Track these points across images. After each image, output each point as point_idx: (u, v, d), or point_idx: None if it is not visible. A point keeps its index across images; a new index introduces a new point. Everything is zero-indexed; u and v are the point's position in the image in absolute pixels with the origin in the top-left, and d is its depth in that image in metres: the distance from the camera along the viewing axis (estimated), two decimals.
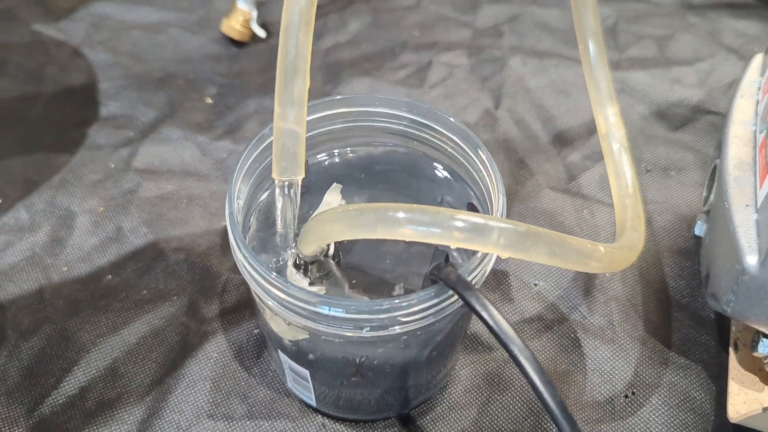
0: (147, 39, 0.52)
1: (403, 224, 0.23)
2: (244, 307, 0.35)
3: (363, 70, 0.49)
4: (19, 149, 0.43)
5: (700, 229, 0.35)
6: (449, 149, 0.31)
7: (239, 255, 0.25)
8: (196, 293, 0.36)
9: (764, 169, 0.29)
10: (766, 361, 0.30)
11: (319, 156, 0.32)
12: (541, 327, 0.35)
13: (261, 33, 0.51)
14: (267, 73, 0.49)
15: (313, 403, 0.31)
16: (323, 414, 0.32)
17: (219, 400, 0.32)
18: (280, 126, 0.26)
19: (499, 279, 0.37)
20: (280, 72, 0.25)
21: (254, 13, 0.50)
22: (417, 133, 0.31)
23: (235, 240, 0.25)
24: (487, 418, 0.32)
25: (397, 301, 0.23)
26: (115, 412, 0.31)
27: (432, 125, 0.30)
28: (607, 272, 0.37)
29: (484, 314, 0.22)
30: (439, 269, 0.24)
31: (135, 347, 0.34)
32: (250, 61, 0.50)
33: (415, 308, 0.23)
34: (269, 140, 0.28)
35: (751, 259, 0.27)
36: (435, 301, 0.24)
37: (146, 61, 0.50)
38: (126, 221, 0.39)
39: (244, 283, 0.35)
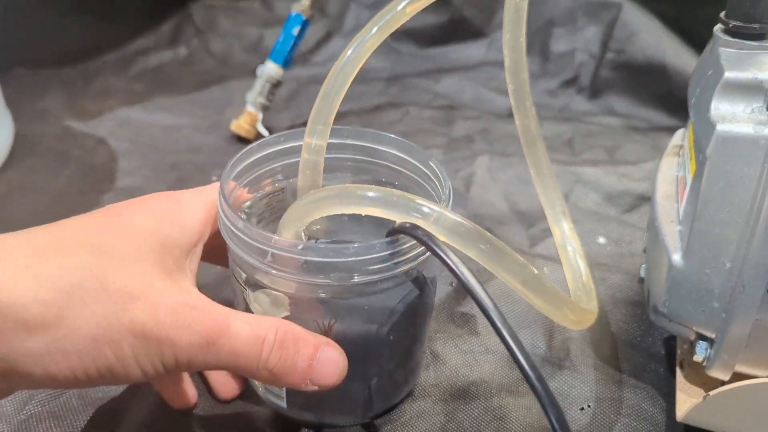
0: (164, 135, 0.59)
1: (369, 199, 0.28)
2: None
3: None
4: (40, 213, 0.49)
5: (643, 270, 0.40)
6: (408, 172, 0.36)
7: (223, 212, 0.29)
8: None
9: (683, 190, 0.35)
10: (704, 363, 0.33)
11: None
12: (503, 356, 0.38)
13: (264, 132, 0.59)
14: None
15: (284, 404, 0.33)
16: (298, 421, 0.34)
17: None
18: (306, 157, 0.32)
19: (467, 319, 0.41)
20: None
21: (260, 116, 0.59)
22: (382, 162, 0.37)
23: (223, 202, 0.29)
24: (453, 425, 0.34)
25: (360, 245, 0.27)
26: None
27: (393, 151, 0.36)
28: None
29: (444, 256, 0.27)
30: (399, 227, 0.28)
31: None
32: None
33: (377, 254, 0.27)
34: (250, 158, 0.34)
35: (677, 256, 0.32)
36: (394, 249, 0.28)
37: (162, 150, 0.57)
38: None
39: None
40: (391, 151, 0.36)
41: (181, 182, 0.52)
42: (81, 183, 0.52)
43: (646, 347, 0.39)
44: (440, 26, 0.73)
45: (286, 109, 0.65)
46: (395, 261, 0.28)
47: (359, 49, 0.34)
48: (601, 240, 0.48)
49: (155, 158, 0.56)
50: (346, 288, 0.29)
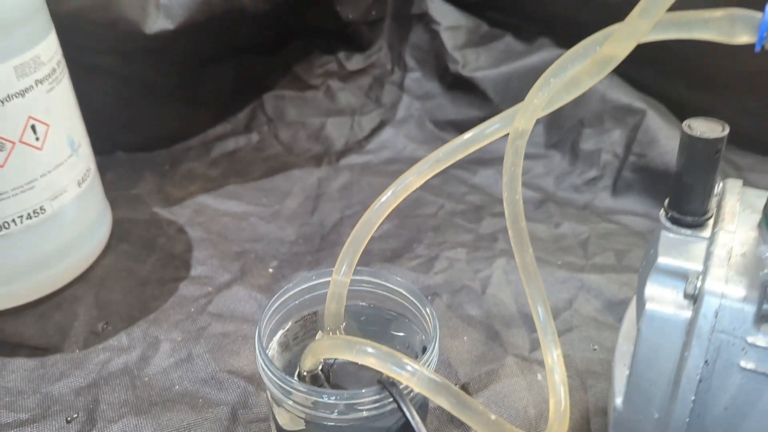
0: (233, 223, 0.70)
1: (368, 353, 0.36)
2: (267, 418, 0.48)
3: (386, 258, 0.64)
4: (128, 295, 0.60)
5: None
6: (410, 307, 0.44)
7: (260, 359, 0.39)
8: (238, 404, 0.49)
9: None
10: None
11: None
12: None
13: None
14: (316, 254, 0.65)
15: None
16: None
17: None
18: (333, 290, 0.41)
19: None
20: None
21: None
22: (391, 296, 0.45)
23: (260, 352, 0.39)
24: None
25: (352, 392, 0.36)
26: None
27: (402, 291, 0.44)
28: None
29: (403, 407, 0.35)
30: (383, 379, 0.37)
31: None
32: (305, 245, 0.67)
33: (364, 399, 0.36)
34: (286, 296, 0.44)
35: (619, 399, 0.39)
36: (377, 396, 0.36)
37: (229, 239, 0.68)
38: (196, 348, 0.54)
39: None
40: (398, 289, 0.45)
41: (243, 273, 0.63)
42: (162, 271, 0.63)
43: None
44: (481, 119, 0.81)
45: (339, 199, 0.74)
46: (380, 403, 0.37)
47: (381, 208, 0.43)
48: (595, 348, 0.54)
49: (223, 247, 0.66)
50: (344, 419, 0.38)
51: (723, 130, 0.36)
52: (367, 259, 0.64)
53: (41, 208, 0.54)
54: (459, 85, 0.83)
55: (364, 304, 0.47)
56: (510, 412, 0.49)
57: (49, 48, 0.54)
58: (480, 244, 0.66)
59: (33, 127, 0.52)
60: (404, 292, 0.45)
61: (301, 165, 0.80)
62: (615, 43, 0.37)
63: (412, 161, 0.52)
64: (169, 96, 0.81)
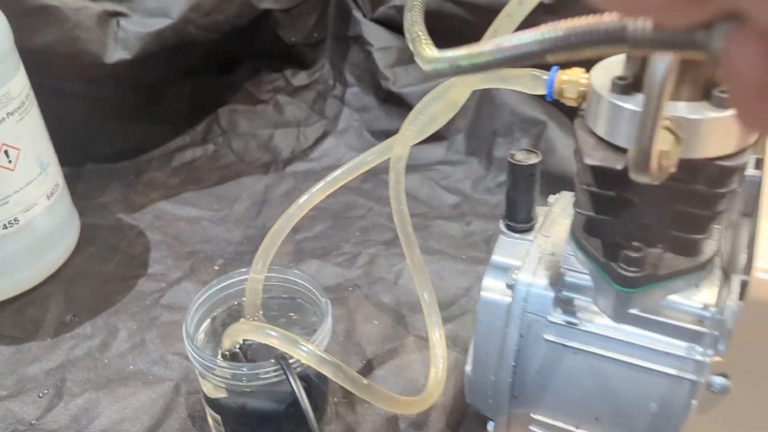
0: (187, 227, 0.80)
1: (270, 335, 0.47)
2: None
3: (317, 255, 0.75)
4: (93, 291, 0.70)
5: None
6: (312, 297, 0.55)
7: (186, 343, 0.49)
8: (181, 380, 0.59)
9: None
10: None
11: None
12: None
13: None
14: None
15: None
16: None
17: None
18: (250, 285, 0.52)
19: None
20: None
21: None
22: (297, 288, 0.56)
23: (187, 337, 0.49)
24: None
25: (254, 365, 0.46)
26: None
27: (306, 284, 0.55)
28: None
29: (288, 375, 0.45)
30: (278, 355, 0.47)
31: (137, 407, 0.57)
32: (248, 246, 0.77)
33: (264, 370, 0.47)
34: (210, 291, 0.54)
35: (468, 368, 0.49)
36: (274, 368, 0.47)
37: (183, 241, 0.78)
38: (148, 335, 0.64)
39: None
40: (304, 282, 0.56)
41: (192, 270, 0.73)
42: (123, 270, 0.73)
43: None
44: None
45: (282, 204, 0.84)
46: (277, 373, 0.47)
47: (296, 210, 0.53)
48: None
49: (177, 248, 0.77)
50: (251, 386, 0.48)
51: (537, 157, 0.46)
52: (300, 256, 0.75)
53: (15, 220, 0.64)
54: (391, 99, 0.93)
55: (283, 295, 0.57)
56: (405, 381, 0.60)
57: (18, 84, 0.64)
58: (398, 241, 0.77)
59: (6, 152, 0.62)
60: (308, 285, 0.55)
61: (250, 173, 0.90)
62: (456, 89, 0.47)
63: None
64: (132, 114, 0.91)
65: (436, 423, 0.56)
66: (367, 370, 0.62)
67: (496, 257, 0.47)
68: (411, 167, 0.90)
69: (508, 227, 0.49)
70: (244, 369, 0.47)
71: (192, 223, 0.81)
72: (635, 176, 0.31)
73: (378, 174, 0.87)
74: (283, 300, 0.57)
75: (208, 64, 0.91)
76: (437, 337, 0.59)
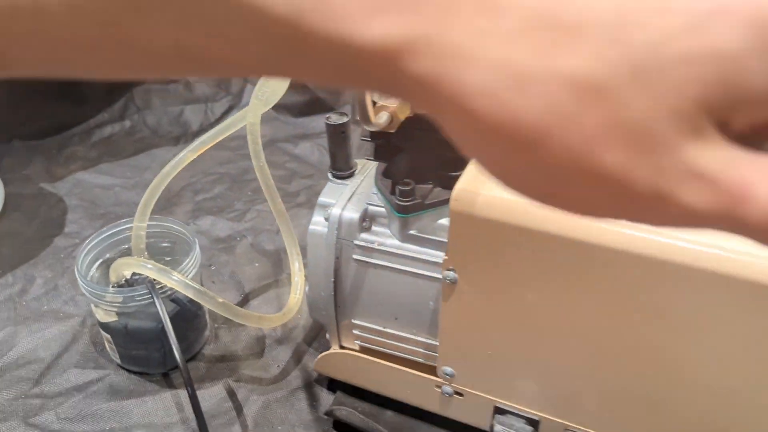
0: (102, 193, 0.92)
1: (147, 268, 0.59)
2: None
3: (212, 212, 0.87)
4: (16, 250, 0.81)
5: None
6: (183, 237, 0.67)
7: (79, 279, 0.61)
8: (86, 314, 0.71)
9: None
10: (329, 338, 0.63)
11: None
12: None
13: None
14: (160, 212, 0.87)
15: (119, 361, 0.65)
16: (126, 369, 0.66)
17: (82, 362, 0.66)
18: (135, 232, 0.63)
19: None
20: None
21: None
22: (175, 233, 0.68)
23: (78, 274, 0.61)
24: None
25: (131, 289, 0.59)
26: None
27: (180, 229, 0.67)
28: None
29: (155, 298, 0.58)
30: (148, 281, 0.59)
31: (49, 337, 0.69)
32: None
33: (138, 293, 0.59)
34: (102, 236, 0.66)
35: (307, 287, 0.62)
36: (146, 291, 0.59)
37: (97, 205, 0.89)
38: (61, 281, 0.76)
39: None
40: (179, 228, 0.68)
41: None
42: (43, 230, 0.85)
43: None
44: (305, 103, 1.04)
45: (187, 170, 0.96)
46: (148, 297, 0.59)
47: (170, 169, 0.65)
48: None
49: (92, 211, 0.88)
50: (131, 306, 0.60)
51: (346, 117, 0.59)
52: (198, 213, 0.87)
53: None
54: None
55: (165, 240, 0.69)
56: (275, 308, 0.72)
57: None
58: (284, 199, 0.89)
59: None
60: (182, 230, 0.67)
61: (162, 145, 1.02)
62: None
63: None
64: (55, 94, 1.01)
65: (296, 339, 0.69)
66: (244, 300, 0.74)
67: (321, 198, 0.60)
68: (304, 136, 1.02)
69: (332, 175, 0.61)
70: (122, 293, 0.59)
71: (106, 189, 0.92)
72: (365, 126, 0.44)
73: (275, 141, 0.99)
74: (164, 244, 0.69)
75: None
76: (296, 267, 0.71)
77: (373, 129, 0.45)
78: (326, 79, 0.19)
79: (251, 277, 0.77)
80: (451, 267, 0.49)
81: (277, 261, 0.79)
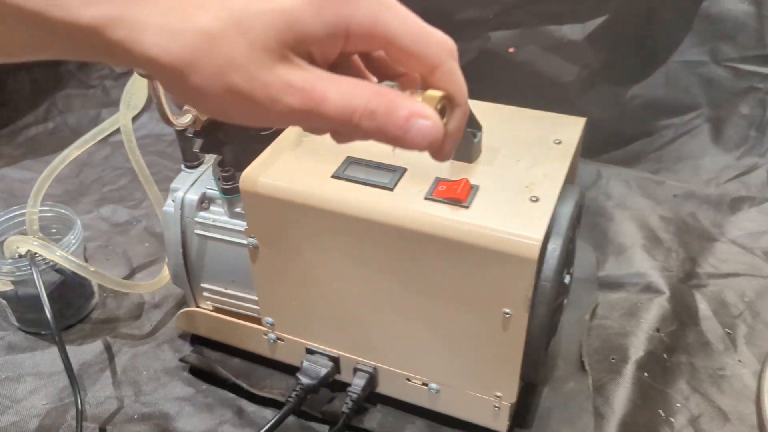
0: (20, 186, 1.04)
1: (34, 246, 0.72)
2: None
3: (114, 201, 1.00)
4: None
5: None
6: (71, 219, 0.80)
7: None
8: None
9: None
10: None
11: None
12: None
13: None
14: (71, 203, 1.00)
15: (16, 323, 0.78)
16: (24, 331, 0.79)
17: None
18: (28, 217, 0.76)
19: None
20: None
21: None
22: (66, 217, 0.81)
23: None
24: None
25: (16, 261, 0.72)
26: None
27: (68, 212, 0.80)
28: None
29: (33, 270, 0.71)
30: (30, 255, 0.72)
31: None
32: (66, 197, 1.02)
33: (21, 264, 0.72)
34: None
35: (168, 265, 0.75)
36: (27, 263, 0.72)
37: (16, 196, 1.02)
38: None
39: None
40: (65, 212, 0.81)
41: None
42: None
43: None
44: None
45: (99, 165, 1.09)
46: (30, 269, 0.72)
47: (57, 163, 0.78)
48: None
49: (9, 201, 1.01)
50: (21, 275, 0.73)
51: (188, 117, 0.72)
52: (102, 202, 1.00)
53: None
54: None
55: (55, 223, 0.82)
56: (156, 279, 0.86)
57: None
58: None
59: None
60: (67, 213, 0.80)
61: None
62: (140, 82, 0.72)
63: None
64: None
65: (169, 304, 0.83)
66: (131, 273, 0.88)
67: (172, 185, 0.73)
68: None
69: (184, 166, 0.75)
70: (5, 265, 0.73)
71: (25, 183, 1.05)
72: (168, 125, 0.57)
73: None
74: (54, 225, 0.82)
75: (39, 61, 1.14)
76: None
77: (176, 128, 0.59)
78: (72, 53, 0.28)
79: (140, 255, 0.90)
80: (252, 235, 0.63)
81: (161, 239, 0.92)
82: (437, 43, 0.30)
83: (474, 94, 0.33)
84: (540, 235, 0.51)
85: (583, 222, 0.64)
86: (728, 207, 0.93)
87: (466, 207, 0.54)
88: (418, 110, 0.29)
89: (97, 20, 0.27)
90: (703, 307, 0.78)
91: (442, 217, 0.53)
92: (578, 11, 0.98)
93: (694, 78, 1.11)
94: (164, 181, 1.03)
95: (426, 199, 0.55)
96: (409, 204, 0.55)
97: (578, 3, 0.96)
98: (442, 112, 0.30)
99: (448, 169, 0.58)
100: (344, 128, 0.29)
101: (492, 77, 1.03)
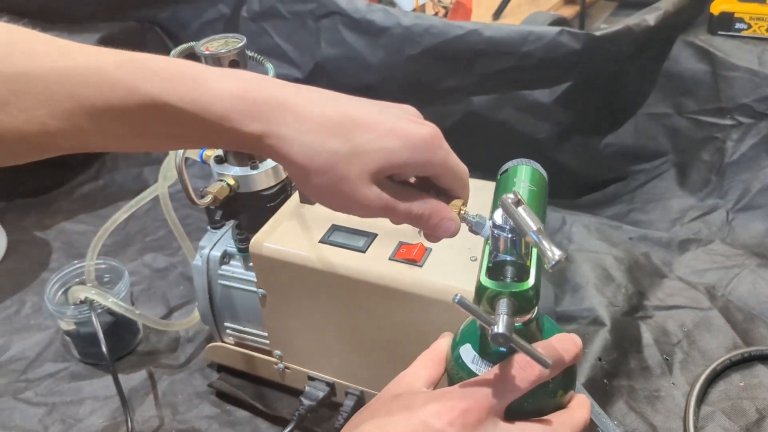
0: (78, 238, 1.23)
1: (90, 292, 0.90)
2: None
3: (154, 249, 1.18)
4: (12, 281, 1.14)
5: None
6: (120, 269, 0.98)
7: (46, 301, 0.92)
8: (58, 328, 1.03)
9: None
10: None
11: None
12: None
13: None
14: (121, 249, 1.19)
15: (78, 356, 0.96)
16: (84, 362, 0.97)
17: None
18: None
19: None
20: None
21: None
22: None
23: (46, 298, 0.93)
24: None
25: (77, 307, 0.90)
26: None
27: (116, 264, 0.98)
28: None
29: (92, 314, 0.89)
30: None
31: (33, 342, 1.00)
32: (114, 246, 1.21)
33: (81, 309, 0.90)
34: (63, 273, 0.97)
35: (197, 303, 0.92)
36: (86, 308, 0.90)
37: (75, 246, 1.21)
38: (43, 304, 1.08)
39: None
40: (117, 265, 0.99)
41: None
42: (34, 267, 1.17)
43: None
44: None
45: (141, 218, 1.28)
46: (87, 311, 0.90)
47: (109, 225, 0.97)
48: None
49: (70, 251, 1.20)
50: (81, 319, 0.91)
51: (209, 197, 0.90)
52: (144, 251, 1.18)
53: None
54: None
55: (107, 273, 1.01)
56: (189, 318, 1.03)
57: None
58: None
59: None
60: (117, 265, 0.98)
61: (127, 198, 1.33)
62: (170, 158, 0.90)
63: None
64: (44, 161, 1.34)
65: (199, 339, 1.00)
66: (169, 313, 1.05)
67: (201, 243, 0.90)
68: None
69: (210, 227, 0.92)
70: (70, 310, 0.91)
71: (81, 234, 1.25)
72: (193, 205, 0.75)
73: None
74: (107, 275, 1.01)
75: None
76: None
77: (199, 207, 0.76)
78: (229, 148, 0.54)
79: (177, 296, 1.08)
80: (261, 287, 0.79)
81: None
82: (467, 180, 0.47)
83: (461, 152, 0.46)
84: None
85: None
86: (677, 247, 1.06)
87: (420, 266, 0.70)
88: (448, 215, 0.46)
89: (258, 132, 0.41)
90: (647, 336, 0.91)
91: (401, 275, 0.69)
92: (544, 79, 1.13)
93: (660, 128, 1.26)
94: (197, 231, 1.22)
95: (390, 260, 0.71)
96: (376, 264, 0.71)
97: (544, 72, 1.11)
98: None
99: (410, 233, 0.74)
100: (406, 222, 0.46)
101: (475, 135, 1.19)
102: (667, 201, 1.24)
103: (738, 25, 1.21)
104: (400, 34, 1.10)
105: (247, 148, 0.43)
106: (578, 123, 1.22)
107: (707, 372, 0.85)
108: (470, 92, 1.15)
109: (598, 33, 1.08)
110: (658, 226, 1.17)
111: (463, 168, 0.46)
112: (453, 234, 0.46)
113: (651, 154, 1.28)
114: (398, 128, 0.42)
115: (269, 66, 0.80)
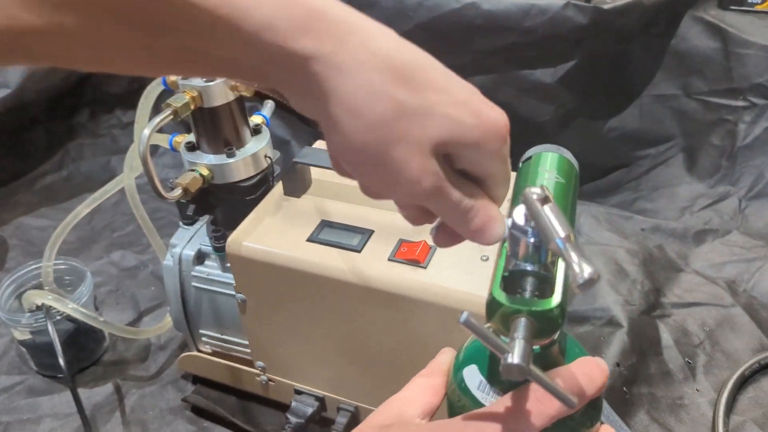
0: (38, 234, 1.13)
1: (47, 297, 0.80)
2: None
3: (123, 247, 1.08)
4: None
5: None
6: (81, 269, 0.88)
7: None
8: (12, 337, 0.92)
9: None
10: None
11: None
12: None
13: None
14: (83, 249, 1.08)
15: (35, 368, 0.86)
16: (42, 374, 0.87)
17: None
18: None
19: None
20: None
21: None
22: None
23: None
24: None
25: (31, 314, 0.80)
26: None
27: (76, 264, 0.88)
28: None
29: (47, 321, 0.79)
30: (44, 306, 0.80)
31: None
32: (78, 243, 1.10)
33: (37, 317, 0.80)
34: (16, 275, 0.87)
35: (169, 307, 0.83)
36: (42, 315, 0.80)
37: (34, 244, 1.10)
38: None
39: None
40: (78, 265, 0.89)
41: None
42: None
43: None
44: None
45: (109, 211, 1.17)
46: (43, 319, 0.80)
47: (70, 220, 0.86)
48: None
49: (28, 249, 1.09)
50: (36, 327, 0.81)
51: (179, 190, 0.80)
52: (111, 248, 1.08)
53: None
54: None
55: (68, 275, 0.90)
56: (160, 322, 0.93)
57: None
58: None
59: None
60: (77, 265, 0.88)
61: (92, 189, 1.22)
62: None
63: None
64: (3, 151, 1.23)
65: (173, 346, 0.90)
66: (138, 317, 0.95)
67: (172, 240, 0.80)
68: None
69: (182, 223, 0.82)
70: (24, 317, 0.81)
71: (42, 230, 1.14)
72: (161, 198, 0.65)
73: None
74: (67, 277, 0.90)
75: (53, 114, 1.23)
76: None
77: (169, 200, 0.66)
78: (252, 80, 0.31)
79: (147, 298, 0.98)
80: (240, 291, 0.70)
81: None
82: (508, 188, 0.37)
83: None
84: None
85: None
86: (693, 239, 0.98)
87: (424, 267, 0.61)
88: (496, 215, 0.35)
89: (306, 51, 0.29)
90: (665, 337, 0.84)
91: (402, 278, 0.60)
92: (547, 57, 1.04)
93: (667, 111, 1.17)
94: (169, 227, 1.11)
95: (389, 260, 0.62)
96: (373, 266, 0.61)
97: (548, 49, 1.02)
98: None
99: (410, 230, 0.65)
100: (447, 215, 0.35)
101: None
102: (674, 188, 1.17)
103: None
104: (390, 8, 1.01)
105: (276, 80, 0.31)
106: (582, 105, 1.13)
107: (735, 377, 0.77)
108: (467, 72, 1.05)
109: (606, 6, 0.99)
110: (665, 215, 1.10)
111: (510, 174, 0.36)
112: (498, 239, 0.35)
113: (657, 139, 1.19)
114: (473, 102, 0.33)
115: None
